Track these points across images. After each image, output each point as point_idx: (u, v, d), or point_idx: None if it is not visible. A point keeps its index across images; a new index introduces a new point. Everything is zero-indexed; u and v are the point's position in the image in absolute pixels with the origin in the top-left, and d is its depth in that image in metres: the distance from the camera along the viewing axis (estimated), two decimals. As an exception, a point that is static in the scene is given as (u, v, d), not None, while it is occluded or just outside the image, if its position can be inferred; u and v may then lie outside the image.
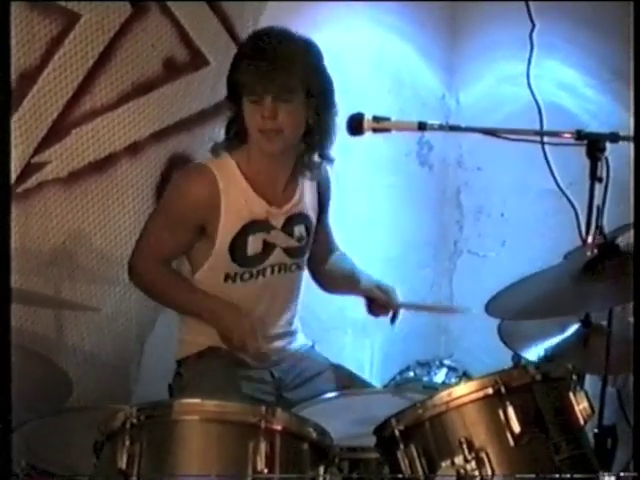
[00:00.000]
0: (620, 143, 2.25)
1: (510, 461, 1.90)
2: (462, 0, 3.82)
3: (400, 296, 2.87)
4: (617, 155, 2.26)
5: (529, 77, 3.56)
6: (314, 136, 2.62)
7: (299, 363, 2.77)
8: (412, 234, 3.94)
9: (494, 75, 3.79)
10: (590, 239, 2.24)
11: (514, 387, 1.94)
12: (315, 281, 2.93)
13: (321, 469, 1.93)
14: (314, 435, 1.95)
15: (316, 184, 2.77)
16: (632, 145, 2.25)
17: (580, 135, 2.26)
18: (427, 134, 3.81)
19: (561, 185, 3.47)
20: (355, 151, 3.35)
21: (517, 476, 1.89)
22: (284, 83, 2.48)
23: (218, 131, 2.80)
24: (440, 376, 3.63)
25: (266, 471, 1.82)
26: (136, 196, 3.12)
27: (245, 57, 2.55)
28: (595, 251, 2.23)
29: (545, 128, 3.44)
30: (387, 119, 2.39)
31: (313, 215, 2.77)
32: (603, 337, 2.27)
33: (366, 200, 3.70)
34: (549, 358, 2.38)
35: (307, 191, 2.74)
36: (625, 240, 2.28)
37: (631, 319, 2.21)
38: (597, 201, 2.22)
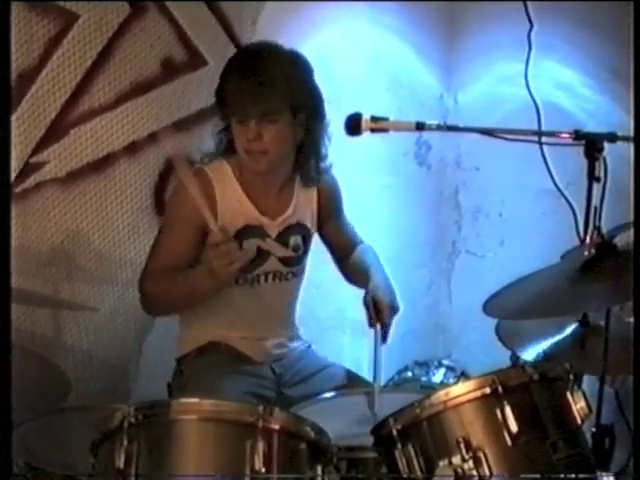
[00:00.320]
0: (618, 143, 2.26)
1: (507, 460, 1.91)
2: (460, 0, 3.82)
3: (398, 296, 2.85)
4: (615, 155, 2.26)
5: (527, 77, 3.56)
6: (306, 151, 2.62)
7: (299, 360, 2.78)
8: (410, 234, 3.94)
9: (492, 75, 3.79)
10: (588, 239, 2.25)
11: (511, 387, 1.94)
12: (341, 273, 2.92)
13: (319, 468, 1.94)
14: (312, 434, 1.95)
15: (316, 192, 2.76)
16: (632, 145, 2.24)
17: (578, 135, 2.26)
18: (425, 134, 3.81)
19: (559, 185, 3.47)
20: (353, 151, 3.34)
21: (514, 476, 1.90)
22: (268, 105, 2.47)
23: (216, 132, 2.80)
24: (438, 376, 3.64)
25: (264, 470, 1.82)
26: (134, 196, 3.13)
27: (231, 75, 2.53)
28: (593, 251, 2.23)
29: (543, 128, 3.44)
30: (385, 119, 2.39)
31: (311, 224, 2.76)
32: (601, 337, 2.27)
33: (364, 200, 3.69)
34: (547, 358, 2.38)
35: (305, 201, 2.73)
36: (623, 240, 2.28)
37: (629, 319, 2.22)
38: (595, 201, 2.22)
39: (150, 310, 2.69)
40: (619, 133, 2.27)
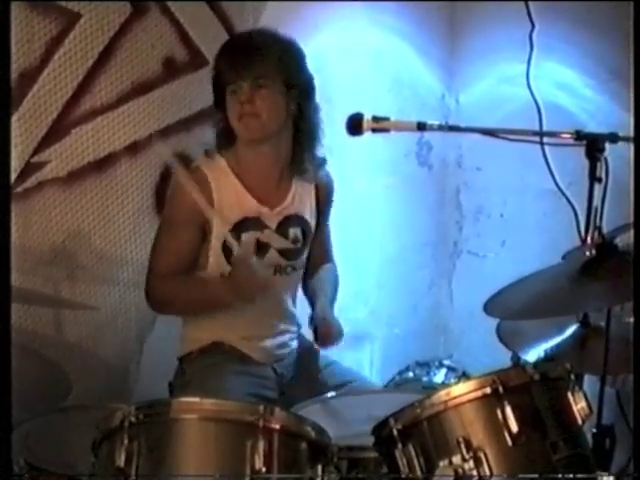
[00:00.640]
0: (619, 143, 2.25)
1: (508, 461, 1.91)
2: (462, 0, 3.82)
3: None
4: (616, 155, 2.26)
5: (529, 77, 3.56)
6: (300, 131, 2.65)
7: (300, 360, 2.79)
8: (411, 234, 3.94)
9: (494, 75, 3.79)
10: (589, 239, 2.25)
11: (512, 387, 1.94)
12: (301, 283, 2.88)
13: (319, 468, 1.94)
14: (312, 434, 1.95)
15: (314, 189, 2.78)
16: (632, 145, 2.25)
17: (579, 135, 2.26)
18: (426, 134, 3.81)
19: (560, 185, 3.47)
20: (354, 151, 3.35)
21: (514, 476, 1.90)
22: (260, 69, 2.55)
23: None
24: (439, 376, 3.63)
25: (264, 470, 1.83)
26: (136, 196, 3.13)
27: (223, 51, 2.64)
28: (594, 251, 2.23)
29: (544, 128, 3.45)
30: (386, 119, 2.39)
31: (311, 219, 2.77)
32: (601, 338, 2.27)
33: (365, 200, 3.70)
34: (548, 358, 2.38)
35: (304, 194, 2.75)
36: (624, 240, 2.28)
37: (629, 319, 2.22)
38: (596, 201, 2.22)
39: (160, 310, 2.76)
40: (620, 133, 2.27)
